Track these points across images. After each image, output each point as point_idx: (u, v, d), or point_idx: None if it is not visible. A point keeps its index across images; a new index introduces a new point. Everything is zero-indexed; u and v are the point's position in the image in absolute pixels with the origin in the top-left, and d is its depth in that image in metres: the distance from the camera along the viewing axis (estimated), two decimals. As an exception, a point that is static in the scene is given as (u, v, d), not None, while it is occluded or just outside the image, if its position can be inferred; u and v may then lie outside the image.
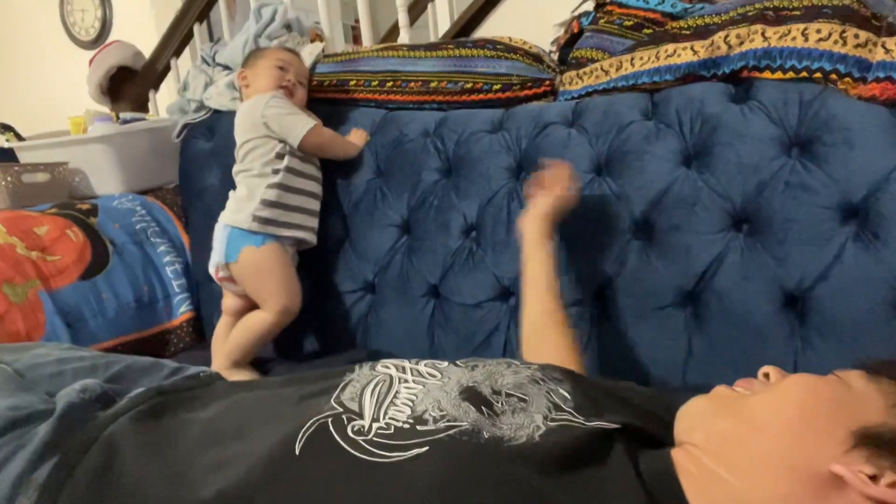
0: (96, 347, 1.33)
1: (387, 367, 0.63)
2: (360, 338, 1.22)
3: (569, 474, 0.51)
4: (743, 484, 0.54)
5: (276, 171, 1.23)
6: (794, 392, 0.58)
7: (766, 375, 0.62)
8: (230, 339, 1.23)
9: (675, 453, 0.58)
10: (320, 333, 1.29)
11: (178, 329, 1.47)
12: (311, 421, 0.54)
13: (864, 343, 0.84)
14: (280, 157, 1.24)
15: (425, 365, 0.64)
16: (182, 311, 1.48)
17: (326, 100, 1.43)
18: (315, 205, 1.29)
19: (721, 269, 0.94)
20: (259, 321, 1.21)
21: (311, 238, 1.28)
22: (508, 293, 1.11)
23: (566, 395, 0.61)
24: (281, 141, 1.24)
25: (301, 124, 1.24)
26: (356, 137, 1.35)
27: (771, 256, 0.91)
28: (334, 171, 1.34)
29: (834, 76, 0.92)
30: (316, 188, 1.29)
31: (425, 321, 1.17)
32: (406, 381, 0.60)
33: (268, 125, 1.24)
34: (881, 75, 0.89)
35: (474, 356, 1.09)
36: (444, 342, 1.15)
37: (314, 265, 1.31)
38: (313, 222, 1.28)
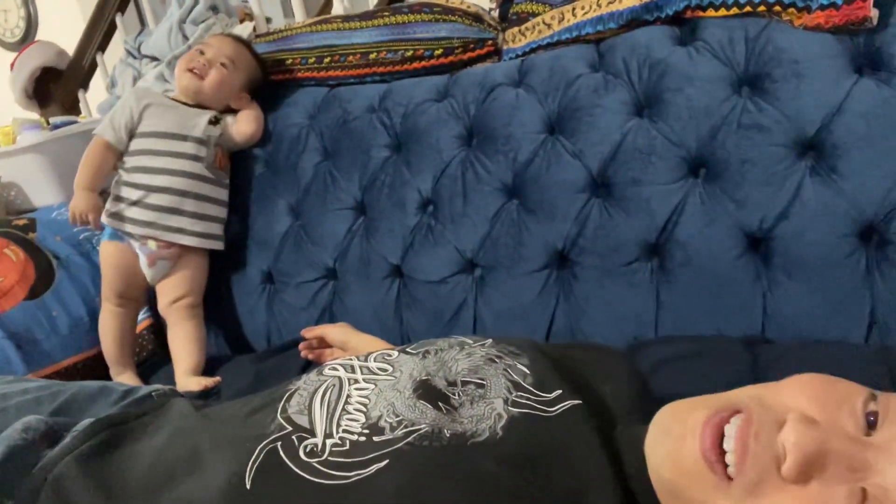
0: (53, 368, 1.28)
1: (335, 370, 0.59)
2: (327, 327, 1.18)
3: (537, 466, 0.48)
4: None
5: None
6: None
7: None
8: None
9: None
10: (285, 326, 1.25)
11: (139, 338, 1.41)
12: (259, 448, 0.50)
13: (831, 278, 0.84)
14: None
15: (375, 359, 0.60)
16: (141, 319, 1.43)
17: (265, 82, 1.36)
18: (176, 202, 1.21)
19: (682, 219, 0.93)
20: None
21: (175, 238, 1.21)
22: (472, 265, 1.08)
23: (524, 370, 0.57)
24: None
25: (98, 126, 1.25)
26: (74, 197, 1.27)
27: (730, 200, 0.90)
28: (279, 158, 1.29)
29: (778, 8, 0.90)
30: (170, 182, 1.20)
31: (391, 303, 1.14)
32: (356, 381, 0.56)
33: None
34: (825, 2, 0.87)
35: (445, 334, 1.08)
36: (413, 323, 1.12)
37: (269, 257, 1.26)
38: (173, 220, 1.21)
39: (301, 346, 1.05)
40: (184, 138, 1.22)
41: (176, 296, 1.23)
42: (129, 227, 1.21)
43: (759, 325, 0.88)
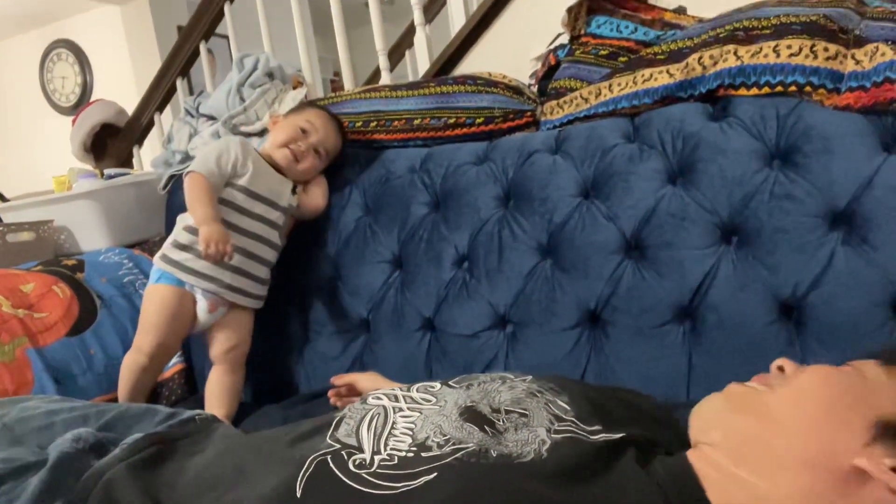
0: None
1: (378, 399, 0.61)
2: (357, 377, 1.20)
3: (582, 486, 0.50)
4: (765, 483, 0.53)
5: None
6: (811, 386, 0.58)
7: (781, 368, 0.62)
8: None
9: (692, 455, 0.57)
10: (315, 375, 1.26)
11: (170, 382, 1.44)
12: (309, 460, 0.52)
13: (864, 346, 0.84)
14: None
15: (417, 390, 0.62)
16: (173, 364, 1.45)
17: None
18: (248, 265, 1.20)
19: (715, 283, 0.95)
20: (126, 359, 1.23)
21: (237, 299, 1.21)
22: (505, 321, 1.10)
23: (565, 406, 0.60)
24: None
25: (193, 164, 1.17)
26: (206, 228, 1.10)
27: (763, 266, 0.92)
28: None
29: (808, 88, 0.95)
30: (251, 246, 1.20)
31: (422, 355, 1.16)
32: (401, 409, 0.58)
33: None
34: (853, 85, 0.92)
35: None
36: (441, 375, 1.11)
37: (305, 305, 1.30)
38: (241, 282, 1.20)
39: (330, 393, 1.06)
40: (273, 205, 1.23)
41: (231, 345, 1.23)
42: (191, 279, 1.18)
43: (792, 391, 0.88)
